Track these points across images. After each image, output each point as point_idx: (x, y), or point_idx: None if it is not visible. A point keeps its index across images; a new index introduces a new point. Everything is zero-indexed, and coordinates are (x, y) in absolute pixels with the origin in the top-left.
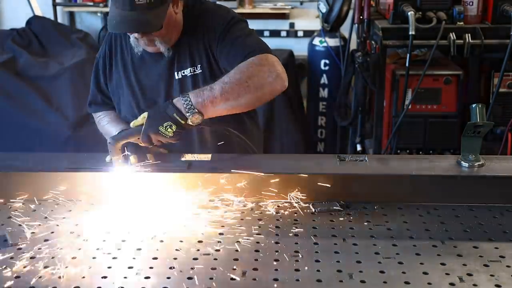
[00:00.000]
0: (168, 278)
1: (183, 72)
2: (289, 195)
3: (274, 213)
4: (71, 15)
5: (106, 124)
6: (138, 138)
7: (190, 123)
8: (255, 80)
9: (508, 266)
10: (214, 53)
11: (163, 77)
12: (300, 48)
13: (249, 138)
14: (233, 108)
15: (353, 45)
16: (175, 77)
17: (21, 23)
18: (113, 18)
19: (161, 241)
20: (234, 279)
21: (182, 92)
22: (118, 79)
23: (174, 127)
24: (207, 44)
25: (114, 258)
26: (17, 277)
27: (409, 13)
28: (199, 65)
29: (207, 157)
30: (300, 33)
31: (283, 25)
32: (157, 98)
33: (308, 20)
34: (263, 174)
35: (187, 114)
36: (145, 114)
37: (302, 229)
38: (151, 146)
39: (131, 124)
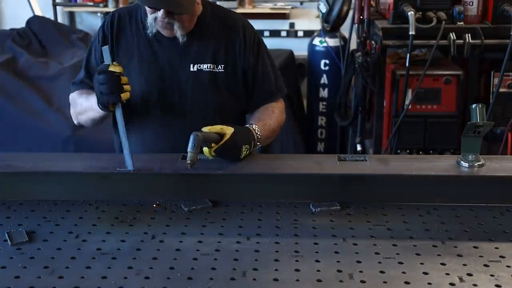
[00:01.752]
0: (168, 278)
1: (199, 66)
2: (289, 195)
3: (275, 213)
4: (71, 15)
5: (91, 95)
6: (211, 145)
7: (253, 152)
8: (283, 122)
9: (508, 266)
10: (245, 64)
11: (174, 65)
12: (300, 48)
13: None
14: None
15: (353, 45)
16: (189, 69)
17: (21, 23)
18: None
19: (161, 241)
20: (234, 279)
21: (195, 85)
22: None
23: (247, 151)
24: (238, 51)
25: (113, 258)
26: (16, 277)
27: (409, 13)
28: (222, 65)
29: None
30: (300, 33)
31: (283, 25)
32: (167, 84)
33: (308, 20)
34: (263, 174)
35: (258, 144)
36: (225, 127)
37: (302, 229)
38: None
39: (207, 129)
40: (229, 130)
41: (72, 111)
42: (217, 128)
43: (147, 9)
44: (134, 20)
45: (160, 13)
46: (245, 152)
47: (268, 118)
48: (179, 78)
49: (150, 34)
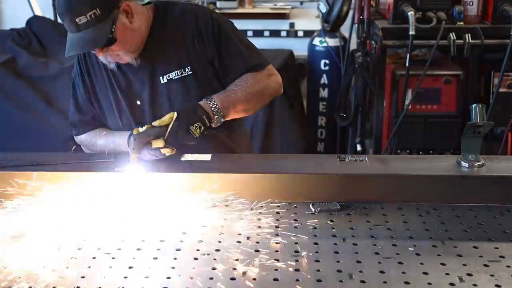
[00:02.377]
0: (168, 278)
1: (169, 76)
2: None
3: (275, 213)
4: None
5: (111, 134)
6: (160, 138)
7: (213, 125)
8: (268, 89)
9: (508, 266)
10: (208, 55)
11: (146, 83)
12: (300, 48)
13: (239, 136)
14: (246, 113)
15: (353, 45)
16: (160, 82)
17: (21, 23)
18: (67, 42)
19: (161, 241)
20: (234, 279)
21: (169, 97)
22: (100, 93)
23: (202, 128)
24: (197, 45)
25: (114, 258)
26: (17, 277)
27: (409, 13)
28: (188, 67)
29: (206, 157)
30: (300, 33)
31: (283, 25)
32: (142, 105)
33: (308, 20)
34: (263, 174)
35: (215, 117)
36: (173, 114)
37: (302, 229)
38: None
39: (156, 123)
40: (174, 116)
41: (90, 149)
42: (166, 118)
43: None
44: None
45: (97, 52)
46: (198, 131)
47: (234, 85)
48: (153, 93)
49: (114, 68)
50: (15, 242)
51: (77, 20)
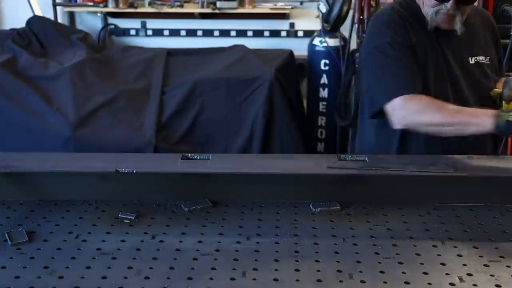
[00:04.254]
0: (168, 278)
1: (477, 58)
2: (289, 195)
3: (274, 213)
4: (71, 15)
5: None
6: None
7: None
8: None
9: (508, 266)
10: (496, 51)
11: (457, 59)
12: (300, 48)
13: None
14: None
15: (353, 45)
16: (469, 61)
17: (21, 23)
18: None
19: (161, 241)
20: (234, 279)
21: (479, 78)
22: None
23: None
24: (494, 42)
25: (113, 258)
26: (16, 277)
27: None
28: (488, 57)
29: (207, 157)
30: (300, 33)
31: (283, 25)
32: (455, 80)
33: (308, 20)
34: (263, 173)
35: None
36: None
37: (302, 229)
38: None
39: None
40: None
41: (423, 120)
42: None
43: (430, 1)
44: (414, 20)
45: (448, 5)
46: None
47: None
48: (462, 72)
49: (429, 28)
50: None
51: None
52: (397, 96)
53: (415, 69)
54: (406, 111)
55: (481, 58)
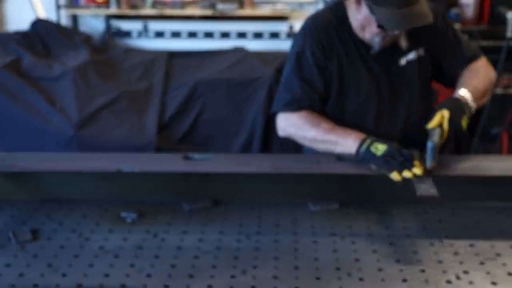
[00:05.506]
0: (170, 276)
1: (407, 57)
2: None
3: (274, 212)
4: (74, 17)
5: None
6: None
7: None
8: (493, 79)
9: (503, 264)
10: (436, 39)
11: (385, 67)
12: None
13: None
14: (480, 105)
15: None
16: (399, 64)
17: (25, 26)
18: (391, 17)
19: (163, 239)
20: (235, 277)
21: (406, 80)
22: (335, 76)
23: (467, 120)
24: (426, 28)
25: (116, 256)
26: (20, 275)
27: None
28: (422, 48)
29: (208, 157)
30: None
31: (282, 27)
32: (382, 90)
33: None
34: (263, 173)
35: (472, 107)
36: (444, 113)
37: (301, 228)
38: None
39: (428, 126)
40: (446, 114)
41: (299, 134)
42: (437, 119)
43: (374, 30)
44: (342, 27)
45: (396, 31)
46: (465, 122)
47: (475, 78)
48: (390, 77)
49: (372, 52)
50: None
51: None
52: (284, 110)
53: (314, 86)
54: (287, 123)
55: (411, 56)
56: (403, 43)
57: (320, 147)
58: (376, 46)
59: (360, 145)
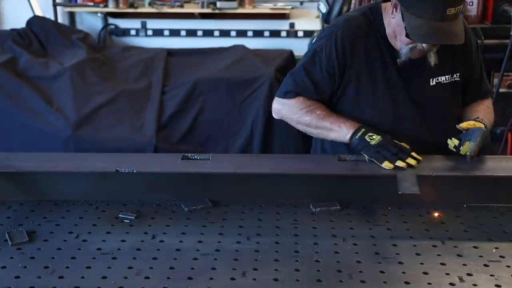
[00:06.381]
0: (168, 278)
1: (438, 79)
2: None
3: (275, 213)
4: (71, 15)
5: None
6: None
7: None
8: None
9: (508, 266)
10: (467, 67)
11: (409, 81)
12: (300, 48)
13: None
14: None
15: None
16: (429, 83)
17: (21, 24)
18: (418, 28)
19: (161, 241)
20: (234, 279)
21: (433, 100)
22: (359, 85)
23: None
24: (465, 55)
25: (113, 258)
26: (17, 277)
27: None
28: (458, 74)
29: (207, 157)
30: (300, 33)
31: (283, 25)
32: (401, 104)
33: (308, 20)
34: (263, 174)
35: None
36: (480, 124)
37: (302, 229)
38: None
39: (465, 124)
40: (481, 125)
41: (294, 118)
42: (470, 123)
43: (405, 40)
44: (373, 33)
45: (426, 45)
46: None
47: (489, 113)
48: (418, 94)
49: (400, 62)
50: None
51: (448, 10)
52: (284, 97)
53: (318, 88)
54: (283, 106)
55: (443, 78)
56: (432, 60)
57: (314, 132)
58: (402, 56)
59: (355, 133)
